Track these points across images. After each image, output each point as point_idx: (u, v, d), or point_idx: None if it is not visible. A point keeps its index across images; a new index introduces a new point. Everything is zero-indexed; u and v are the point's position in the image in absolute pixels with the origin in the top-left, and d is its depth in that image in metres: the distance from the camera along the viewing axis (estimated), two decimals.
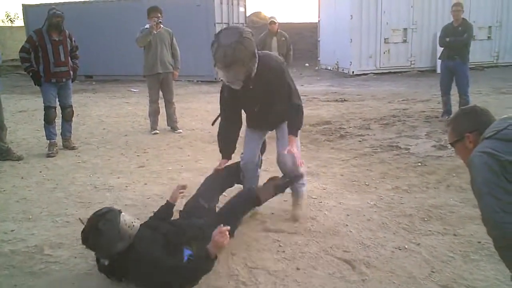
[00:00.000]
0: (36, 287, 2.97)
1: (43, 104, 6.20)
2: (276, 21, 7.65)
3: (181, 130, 7.32)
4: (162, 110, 7.34)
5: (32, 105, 10.07)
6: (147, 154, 6.05)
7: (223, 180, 3.72)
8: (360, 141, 6.60)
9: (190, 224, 3.07)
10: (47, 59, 5.90)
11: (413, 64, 15.00)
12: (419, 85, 12.36)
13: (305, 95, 11.25)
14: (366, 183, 4.77)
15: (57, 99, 6.22)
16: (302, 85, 13.45)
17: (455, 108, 7.54)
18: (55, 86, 6.09)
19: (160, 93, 7.27)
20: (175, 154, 6.12)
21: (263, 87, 3.36)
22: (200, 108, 9.67)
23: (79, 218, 3.32)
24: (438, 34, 8.00)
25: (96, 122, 8.33)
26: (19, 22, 30.54)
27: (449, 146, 5.89)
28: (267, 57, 3.44)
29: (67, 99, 6.28)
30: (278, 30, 7.68)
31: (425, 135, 6.72)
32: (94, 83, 14.14)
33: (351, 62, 14.72)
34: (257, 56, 3.19)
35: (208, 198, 3.45)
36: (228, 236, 2.63)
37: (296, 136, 3.57)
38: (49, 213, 4.14)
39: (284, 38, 7.69)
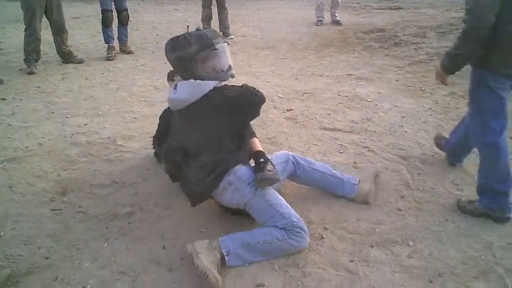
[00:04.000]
0: (114, 172, 3.27)
1: (100, 8, 6.31)
2: None
3: (233, 36, 7.33)
4: (214, 16, 7.31)
5: (84, 12, 10.23)
6: None
7: None
8: (415, 48, 6.44)
9: None
10: None
11: None
12: None
13: (357, 2, 10.88)
14: (422, 89, 4.75)
15: (113, 3, 6.30)
16: None
17: None
18: None
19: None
20: None
21: None
22: (250, 15, 9.56)
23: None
24: None
25: (149, 28, 8.43)
26: None
27: None
28: None
29: (122, 3, 6.36)
30: None
31: None
32: None
33: None
34: None
35: None
36: None
37: None
38: (116, 110, 4.40)
39: None
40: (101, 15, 6.32)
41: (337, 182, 2.76)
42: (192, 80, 2.46)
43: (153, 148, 3.38)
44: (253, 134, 2.72)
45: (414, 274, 2.19)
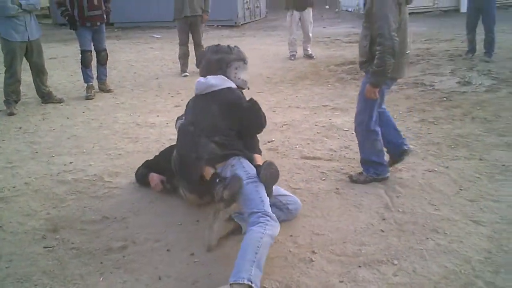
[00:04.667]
0: (103, 208, 3.33)
1: (79, 48, 6.43)
2: None
3: None
4: (191, 53, 7.52)
5: (61, 52, 10.32)
6: (180, 95, 6.32)
7: None
8: None
9: None
10: (81, 3, 6.08)
11: (436, 3, 14.72)
12: (442, 25, 12.25)
13: (327, 37, 11.32)
14: (394, 117, 4.95)
15: (92, 44, 6.43)
16: (324, 27, 13.45)
17: (479, 46, 7.60)
18: (90, 31, 6.31)
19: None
20: None
21: None
22: None
23: None
24: None
25: (126, 66, 8.57)
26: None
27: (473, 82, 6.06)
28: None
29: (101, 43, 6.51)
30: None
31: (450, 72, 6.83)
32: (116, 30, 14.24)
33: None
34: None
35: None
36: None
37: None
38: (100, 147, 4.48)
39: None
40: (80, 55, 6.43)
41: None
42: (222, 75, 3.07)
43: (137, 171, 3.63)
44: (259, 151, 3.11)
45: None
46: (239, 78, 3.12)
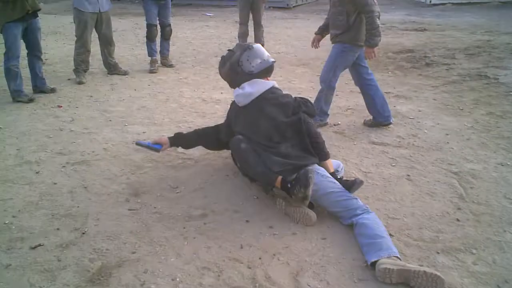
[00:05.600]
0: (180, 177, 3.46)
1: (145, 22, 6.57)
2: None
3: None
4: (250, 33, 7.57)
5: (119, 26, 10.54)
6: None
7: None
8: (447, 69, 6.64)
9: None
10: None
11: None
12: (501, 17, 11.80)
13: (382, 24, 11.08)
14: (460, 108, 4.93)
15: (157, 19, 6.57)
16: None
17: None
18: (157, 5, 6.44)
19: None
20: None
21: None
22: (280, 33, 9.82)
23: None
24: None
25: (184, 43, 8.70)
26: None
27: None
28: None
29: (167, 18, 6.63)
30: None
31: None
32: None
33: None
34: None
35: None
36: None
37: None
38: (170, 119, 4.63)
39: None
40: (146, 29, 6.57)
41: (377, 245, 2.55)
42: (253, 79, 3.14)
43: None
44: (327, 155, 3.06)
45: (482, 280, 2.34)
46: (258, 63, 3.15)
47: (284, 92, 3.26)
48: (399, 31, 10.12)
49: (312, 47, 4.79)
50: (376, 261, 2.37)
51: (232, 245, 2.64)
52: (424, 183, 3.32)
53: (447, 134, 4.19)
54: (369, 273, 2.38)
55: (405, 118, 4.60)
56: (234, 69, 3.19)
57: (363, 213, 2.70)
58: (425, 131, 4.27)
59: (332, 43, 4.23)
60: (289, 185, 2.80)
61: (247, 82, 3.16)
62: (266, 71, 3.23)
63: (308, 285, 2.31)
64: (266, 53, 3.24)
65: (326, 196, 2.81)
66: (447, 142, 4.01)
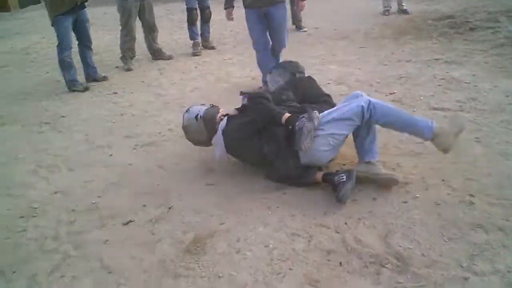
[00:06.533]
0: None
1: (185, 6, 6.64)
2: None
3: (306, 29, 7.55)
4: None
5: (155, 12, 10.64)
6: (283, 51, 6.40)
7: None
8: (492, 32, 6.49)
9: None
10: None
11: None
12: None
13: None
14: None
15: (197, 2, 6.62)
16: None
17: None
18: None
19: None
20: (309, 50, 6.42)
21: None
22: (317, 7, 9.70)
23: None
24: None
25: (221, 25, 8.70)
26: None
27: None
28: None
29: (205, 1, 6.68)
30: None
31: None
32: None
33: None
34: None
35: None
36: None
37: None
38: (226, 99, 4.70)
39: None
40: (186, 14, 6.63)
41: (414, 122, 2.88)
42: None
43: None
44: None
45: None
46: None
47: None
48: None
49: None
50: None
51: (316, 213, 2.71)
52: (494, 144, 3.31)
53: (507, 96, 4.14)
54: (457, 232, 2.43)
55: (461, 83, 4.55)
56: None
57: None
58: (484, 94, 4.23)
59: (273, 4, 4.46)
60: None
61: None
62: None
63: (400, 246, 2.37)
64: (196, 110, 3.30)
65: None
66: (510, 104, 3.97)
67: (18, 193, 3.23)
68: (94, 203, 3.03)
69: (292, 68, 3.86)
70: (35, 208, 3.02)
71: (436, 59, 5.43)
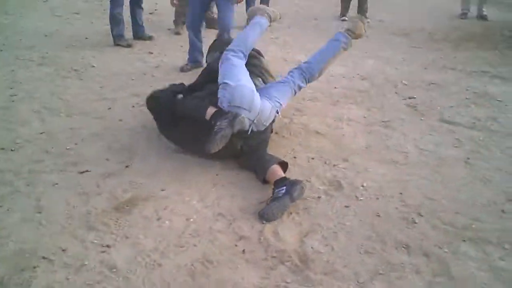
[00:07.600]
0: None
1: None
2: None
3: (369, 20, 7.23)
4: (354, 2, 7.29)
5: None
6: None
7: None
8: None
9: None
10: None
11: None
12: None
13: None
14: None
15: None
16: None
17: None
18: None
19: None
20: (359, 42, 6.16)
21: None
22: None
23: None
24: None
25: (289, 4, 8.62)
26: None
27: None
28: None
29: None
30: None
31: None
32: None
33: None
34: None
35: None
36: None
37: None
38: None
39: None
40: None
41: (333, 43, 3.50)
42: None
43: None
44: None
45: (501, 277, 2.14)
46: None
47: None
48: None
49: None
50: None
51: (257, 198, 2.70)
52: (482, 169, 3.04)
53: None
54: (379, 247, 2.30)
55: (491, 100, 4.17)
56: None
57: None
58: (509, 115, 3.86)
59: None
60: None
61: None
62: None
63: (312, 248, 2.32)
64: None
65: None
66: None
67: (12, 127, 3.53)
68: (68, 148, 3.23)
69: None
70: (17, 143, 3.28)
71: (484, 71, 5.00)
